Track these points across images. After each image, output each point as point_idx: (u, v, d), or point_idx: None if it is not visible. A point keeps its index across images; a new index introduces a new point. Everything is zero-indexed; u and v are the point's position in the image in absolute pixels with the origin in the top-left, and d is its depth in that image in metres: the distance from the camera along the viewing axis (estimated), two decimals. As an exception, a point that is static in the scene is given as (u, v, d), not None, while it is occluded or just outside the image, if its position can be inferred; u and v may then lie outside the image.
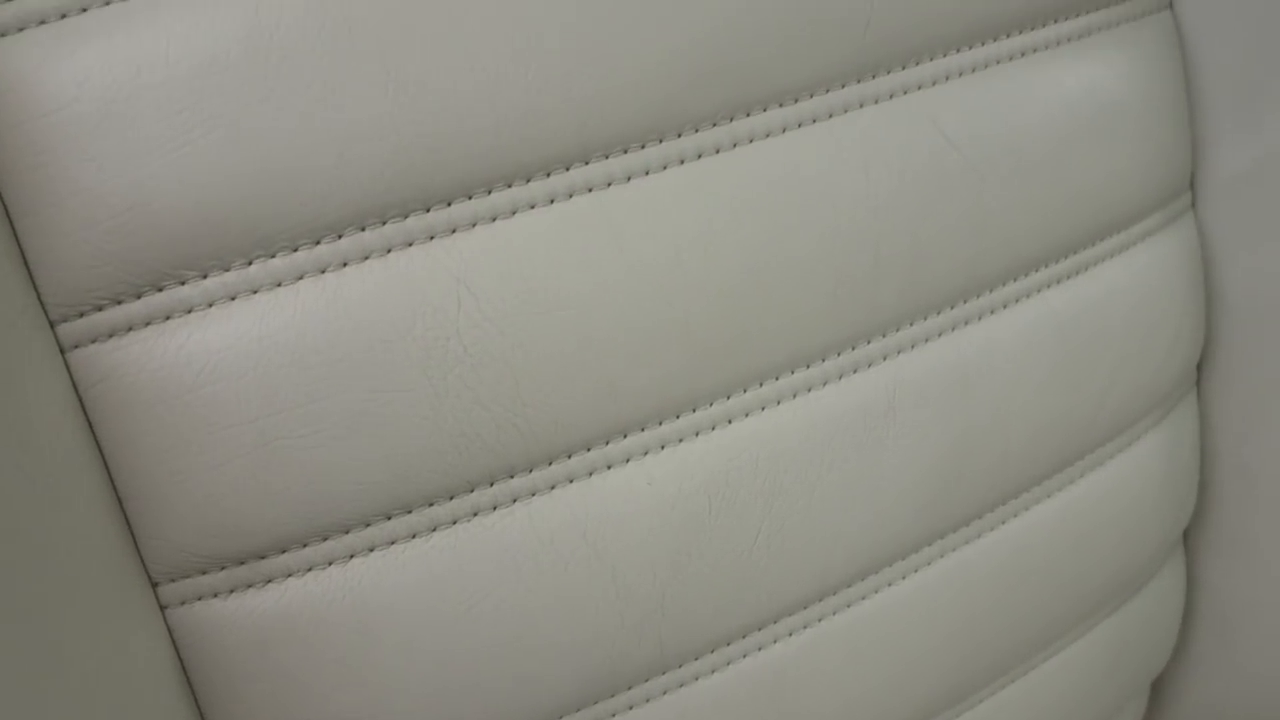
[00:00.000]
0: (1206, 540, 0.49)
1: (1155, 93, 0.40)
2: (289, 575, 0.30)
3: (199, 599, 0.30)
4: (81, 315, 0.28)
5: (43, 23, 0.26)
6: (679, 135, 0.31)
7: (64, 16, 0.26)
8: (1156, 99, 0.40)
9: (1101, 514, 0.42)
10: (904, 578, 0.38)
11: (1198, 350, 0.44)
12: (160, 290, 0.28)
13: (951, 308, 0.36)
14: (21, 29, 0.26)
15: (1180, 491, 0.45)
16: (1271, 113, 0.41)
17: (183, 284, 0.28)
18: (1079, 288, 0.39)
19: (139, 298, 0.28)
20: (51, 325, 0.28)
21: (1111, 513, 0.43)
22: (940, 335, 0.36)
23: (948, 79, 0.35)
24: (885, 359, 0.36)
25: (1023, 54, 0.37)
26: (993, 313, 0.37)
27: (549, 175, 0.30)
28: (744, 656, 0.36)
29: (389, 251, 0.29)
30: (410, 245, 0.29)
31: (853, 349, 0.35)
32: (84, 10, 0.26)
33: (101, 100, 0.26)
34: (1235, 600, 0.49)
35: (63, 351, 0.28)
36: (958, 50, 0.35)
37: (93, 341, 0.28)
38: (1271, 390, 0.44)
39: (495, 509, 0.31)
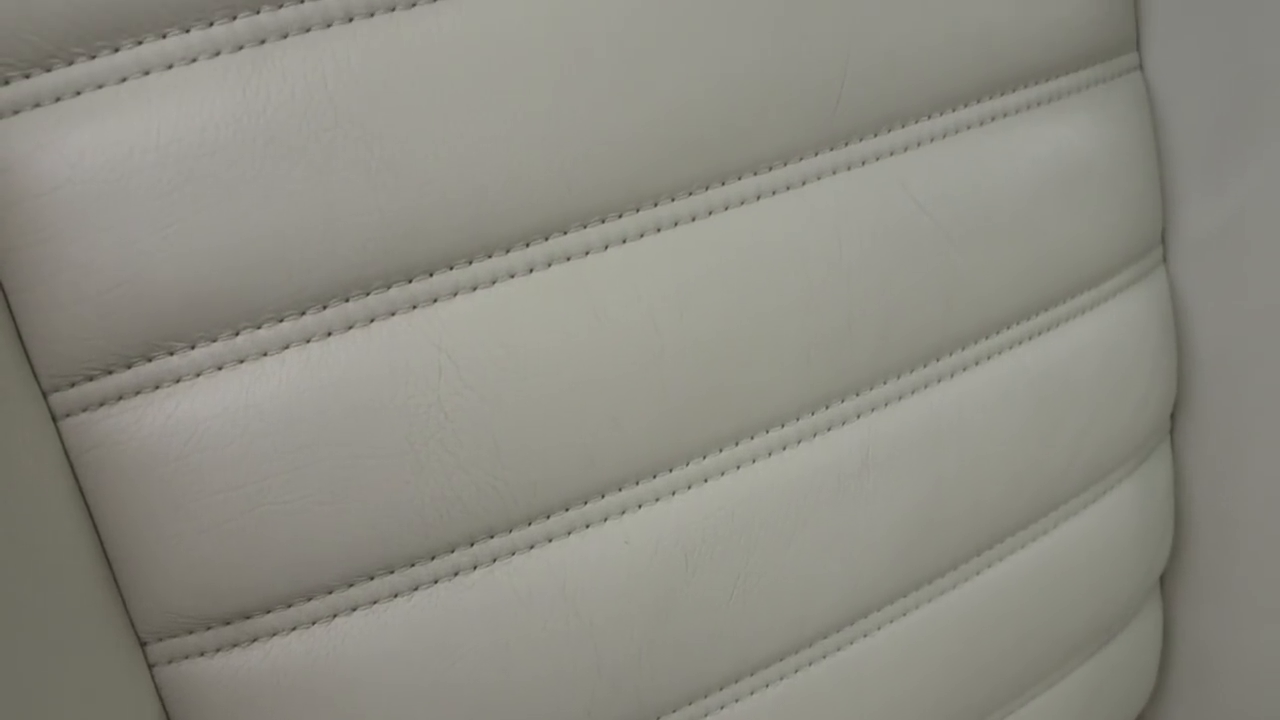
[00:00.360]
0: (1183, 585, 0.50)
1: (1125, 153, 0.41)
2: (274, 634, 0.31)
3: (186, 658, 0.31)
4: (73, 385, 0.29)
5: (38, 105, 0.27)
6: (655, 204, 0.33)
7: (59, 100, 0.27)
8: (1126, 159, 0.41)
9: (1076, 562, 0.43)
10: (879, 628, 0.39)
11: (1170, 401, 0.45)
12: (150, 360, 0.29)
13: (924, 366, 0.37)
14: (17, 112, 0.27)
15: (1155, 538, 0.46)
16: (1241, 171, 0.42)
17: (171, 354, 0.29)
18: (1050, 344, 0.40)
19: (129, 368, 0.29)
20: (44, 394, 0.29)
21: (1086, 561, 0.44)
22: (913, 393, 0.37)
23: (918, 145, 0.36)
24: (859, 417, 0.36)
25: (992, 119, 0.38)
26: (965, 370, 0.38)
27: (528, 245, 0.31)
28: (721, 708, 0.37)
29: (372, 321, 0.30)
30: (393, 315, 0.30)
31: (826, 408, 0.36)
32: (78, 94, 0.27)
33: (94, 181, 0.27)
34: (1212, 644, 0.50)
35: (55, 420, 0.29)
36: (928, 117, 0.36)
37: (84, 410, 0.29)
38: (1244, 438, 0.45)
39: (476, 568, 0.32)
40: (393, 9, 0.29)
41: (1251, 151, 0.41)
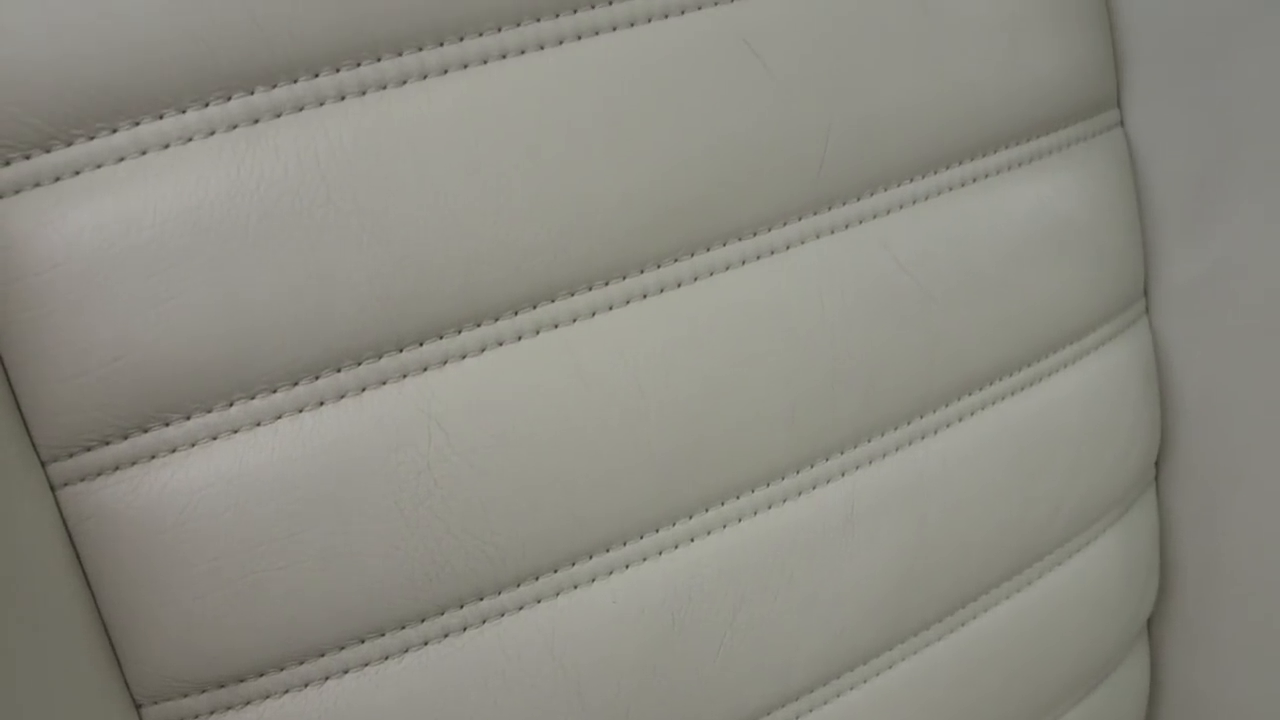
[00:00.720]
0: (1170, 629, 0.50)
1: (1106, 209, 0.42)
2: (267, 697, 0.31)
3: (181, 720, 0.32)
4: (71, 456, 0.29)
5: (38, 185, 0.28)
6: (641, 271, 0.33)
7: (58, 179, 0.28)
8: (1107, 215, 0.42)
9: (1062, 611, 0.44)
10: (865, 681, 0.39)
11: (1154, 450, 0.46)
12: (146, 431, 0.29)
13: (907, 423, 0.38)
14: (18, 191, 0.28)
15: (1140, 585, 0.47)
16: (1220, 224, 0.42)
17: (167, 425, 0.29)
18: (1032, 398, 0.41)
19: (126, 439, 0.29)
20: (43, 464, 0.29)
21: (1072, 610, 0.44)
22: (896, 449, 0.38)
23: (900, 206, 0.37)
24: (843, 474, 0.37)
25: (974, 179, 0.39)
26: (948, 426, 0.39)
27: (516, 314, 0.32)
28: (708, 763, 0.37)
29: (363, 391, 0.31)
30: (384, 384, 0.31)
31: (811, 466, 0.36)
32: (77, 174, 0.28)
33: (93, 258, 0.28)
34: (1199, 689, 0.50)
35: (53, 489, 0.29)
36: (910, 179, 0.37)
37: (81, 480, 0.29)
38: (1229, 484, 0.46)
39: (465, 630, 0.33)
40: (384, 87, 0.30)
41: (1230, 206, 0.42)
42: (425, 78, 0.30)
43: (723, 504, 0.35)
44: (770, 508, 0.36)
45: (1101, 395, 0.43)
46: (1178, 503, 0.48)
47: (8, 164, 0.28)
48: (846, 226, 0.36)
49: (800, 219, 0.35)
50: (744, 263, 0.35)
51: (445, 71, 0.31)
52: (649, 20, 0.33)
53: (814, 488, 0.37)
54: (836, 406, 0.36)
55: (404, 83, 0.30)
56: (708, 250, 0.34)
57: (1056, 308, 0.40)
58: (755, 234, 0.35)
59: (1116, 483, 0.44)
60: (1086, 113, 0.41)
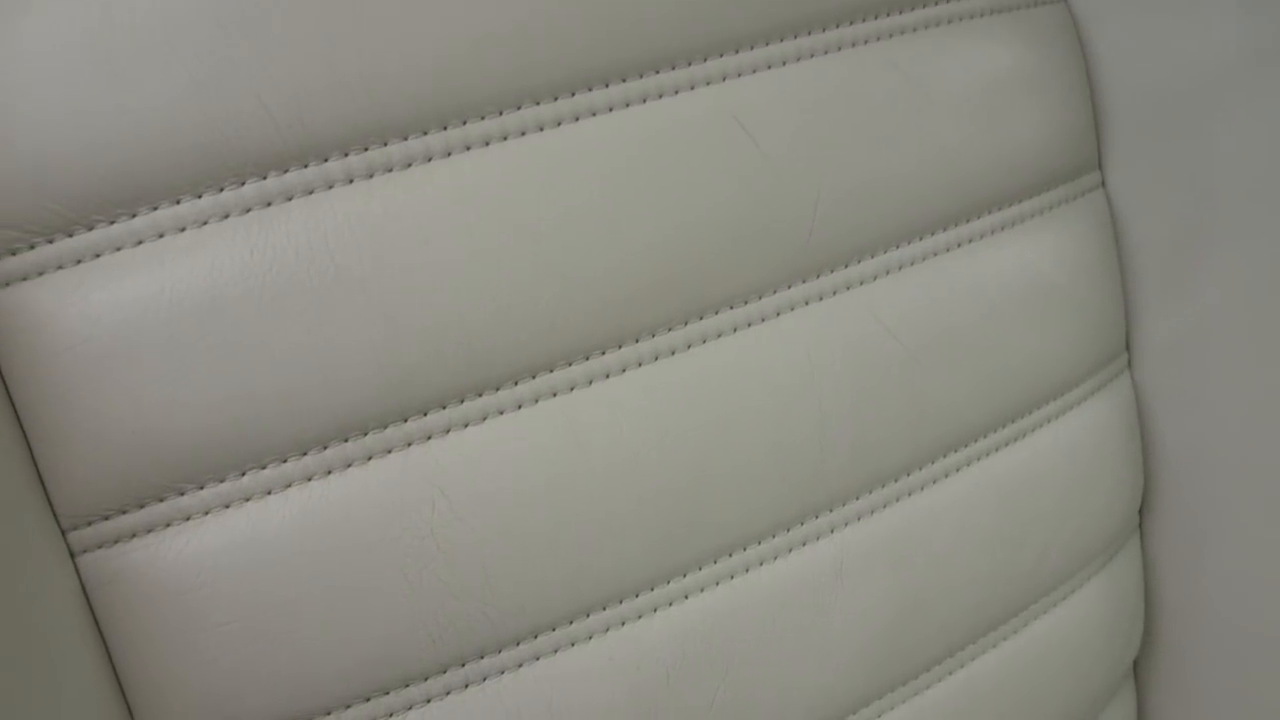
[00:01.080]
0: (1155, 672, 0.51)
1: (1087, 268, 0.43)
2: (276, 754, 0.33)
3: (194, 775, 0.33)
4: (90, 524, 0.31)
5: (60, 268, 0.29)
6: (636, 340, 0.35)
7: (79, 262, 0.30)
8: (1088, 274, 0.43)
9: (1049, 656, 0.45)
10: (855, 731, 0.41)
11: (1137, 500, 0.47)
12: (162, 501, 0.31)
13: (894, 480, 0.39)
14: (42, 273, 0.29)
15: (1125, 630, 0.48)
16: (1199, 283, 0.44)
17: (182, 495, 0.31)
18: (1018, 453, 0.42)
19: (142, 508, 0.31)
20: (63, 532, 0.31)
21: (1059, 654, 0.45)
22: (884, 506, 0.39)
23: (887, 272, 0.38)
24: (833, 531, 0.38)
25: (959, 244, 0.40)
26: (935, 482, 0.40)
27: (516, 384, 0.33)
28: (702, 812, 0.38)
29: (369, 460, 0.32)
30: (389, 453, 0.32)
31: (801, 524, 0.38)
32: (97, 256, 0.30)
33: (112, 337, 0.29)
34: (1185, 729, 0.51)
35: (72, 556, 0.31)
36: (896, 246, 0.38)
37: (99, 547, 0.31)
38: (1210, 531, 0.47)
39: (467, 687, 0.34)
40: (390, 170, 0.31)
41: (1207, 265, 0.43)
42: (429, 160, 0.32)
43: (715, 562, 0.36)
44: (762, 564, 0.37)
45: (1085, 448, 0.44)
46: (1162, 549, 0.49)
47: (32, 247, 0.29)
48: (834, 293, 0.37)
49: (789, 286, 0.37)
50: (735, 330, 0.36)
51: (448, 154, 0.32)
52: (644, 101, 0.34)
53: (804, 544, 0.38)
54: (826, 466, 0.37)
55: (409, 165, 0.32)
56: (700, 319, 0.35)
57: (1040, 365, 0.42)
58: (746, 302, 0.36)
59: (1101, 531, 0.45)
60: (1067, 176, 0.43)
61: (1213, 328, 0.44)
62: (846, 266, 0.38)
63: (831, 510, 0.38)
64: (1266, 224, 0.42)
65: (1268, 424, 0.44)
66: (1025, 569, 0.43)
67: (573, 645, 0.35)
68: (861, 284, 0.38)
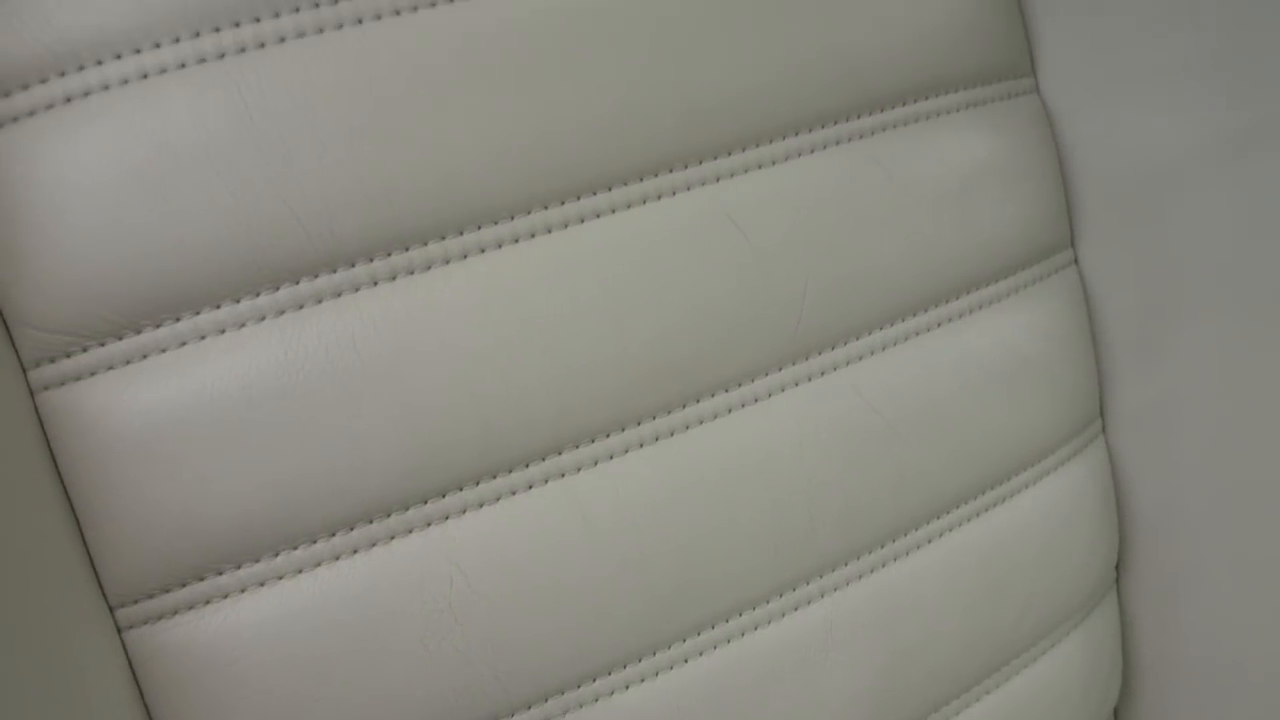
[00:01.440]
0: (1135, 717, 0.53)
1: (1061, 342, 0.46)
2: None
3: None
4: (136, 602, 0.33)
5: (110, 369, 0.32)
6: (638, 424, 0.37)
7: (128, 363, 0.32)
8: (1062, 347, 0.46)
9: (1030, 710, 0.47)
10: (846, 784, 0.43)
11: (1113, 559, 0.49)
12: (202, 580, 0.33)
13: (881, 547, 0.42)
14: (93, 374, 0.32)
15: (1104, 681, 0.50)
16: (1168, 354, 0.46)
17: (220, 574, 0.33)
18: (997, 518, 0.45)
19: (184, 586, 0.33)
20: (111, 610, 0.33)
21: (1040, 708, 0.48)
22: (871, 572, 0.42)
23: (871, 353, 0.41)
24: (822, 596, 0.41)
25: (938, 324, 0.43)
26: (919, 547, 0.43)
27: (528, 466, 0.36)
28: None
29: (392, 539, 0.35)
30: (410, 533, 0.35)
31: (792, 590, 0.40)
32: (144, 358, 0.32)
33: (158, 433, 0.32)
34: (1163, 774, 0.53)
35: (119, 632, 0.33)
36: (879, 328, 0.41)
37: (145, 623, 0.33)
38: (1184, 588, 0.49)
39: (481, 747, 0.36)
40: (411, 272, 0.34)
41: (1175, 338, 0.46)
42: (447, 263, 0.35)
43: (713, 627, 0.39)
44: (755, 629, 0.40)
45: (1062, 511, 0.46)
46: (1138, 604, 0.51)
47: (84, 350, 0.32)
48: (822, 374, 0.40)
49: (779, 369, 0.39)
50: (730, 411, 0.39)
51: (464, 257, 0.35)
52: (644, 202, 0.37)
53: (795, 610, 0.40)
54: (815, 534, 0.40)
55: (428, 268, 0.34)
56: (697, 402, 0.38)
57: (1017, 435, 0.44)
58: (739, 385, 0.39)
59: (1079, 589, 0.47)
60: (1040, 256, 0.45)
61: (1181, 396, 0.47)
62: (833, 349, 0.40)
63: (821, 576, 0.41)
64: (1229, 302, 0.45)
65: (1234, 485, 0.47)
66: (1006, 626, 0.45)
67: (580, 707, 0.37)
68: (847, 364, 0.41)
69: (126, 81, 0.32)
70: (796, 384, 0.40)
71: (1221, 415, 0.46)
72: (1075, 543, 0.47)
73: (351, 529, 0.34)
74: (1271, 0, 0.42)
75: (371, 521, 0.34)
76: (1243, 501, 0.47)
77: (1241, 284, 0.44)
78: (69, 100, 0.31)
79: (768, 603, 0.40)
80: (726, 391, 0.39)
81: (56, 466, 0.33)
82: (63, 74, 0.31)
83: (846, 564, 0.41)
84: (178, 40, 0.32)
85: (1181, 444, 0.48)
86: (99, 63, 0.32)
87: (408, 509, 0.35)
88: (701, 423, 0.38)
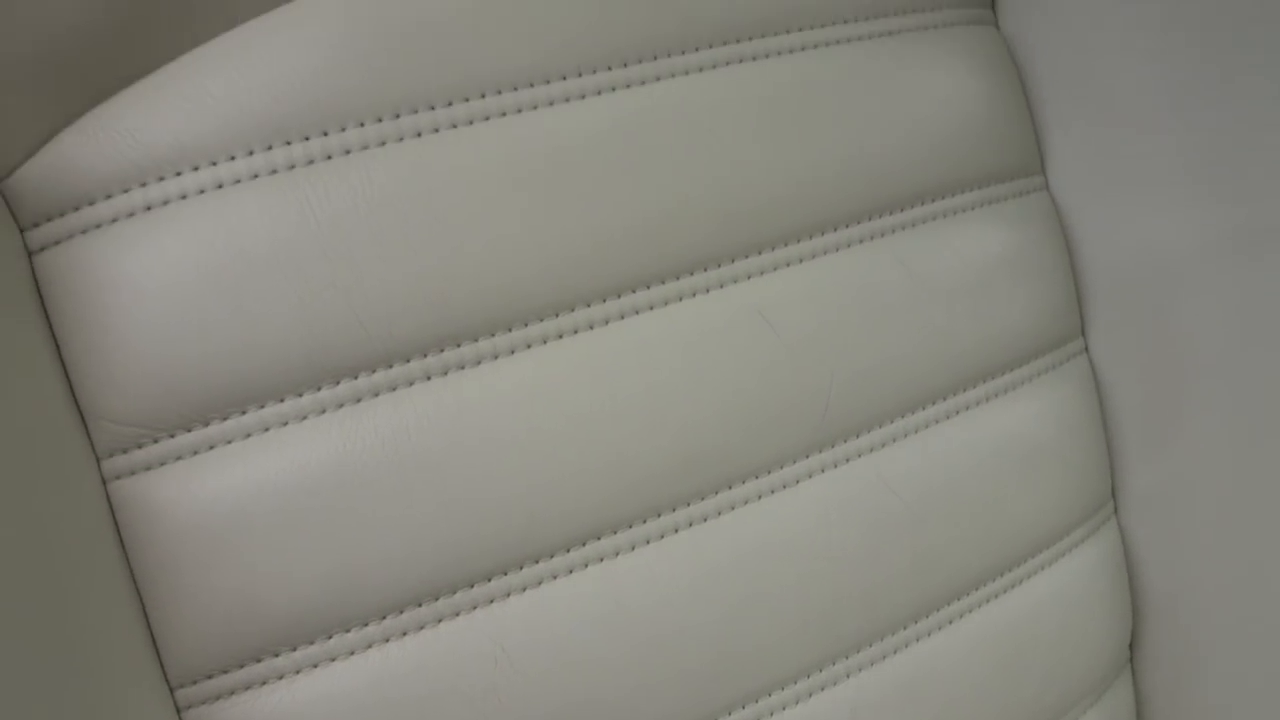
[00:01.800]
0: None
1: (1072, 428, 0.48)
2: None
3: None
4: (195, 682, 0.35)
5: (179, 459, 0.34)
6: (673, 510, 0.39)
7: (195, 454, 0.34)
8: (1074, 433, 0.48)
9: (1048, 786, 0.48)
10: None
11: (1127, 638, 0.51)
12: (259, 661, 0.35)
13: (903, 628, 0.43)
14: (163, 464, 0.34)
15: (1120, 758, 0.51)
16: (1176, 440, 0.48)
17: (276, 656, 0.35)
18: (1013, 601, 0.46)
19: (242, 668, 0.35)
20: (171, 690, 0.35)
21: (1057, 784, 0.49)
22: (895, 653, 0.43)
23: (893, 440, 0.43)
24: (848, 677, 0.42)
25: (956, 412, 0.45)
26: (939, 629, 0.44)
27: (569, 551, 0.38)
28: None
29: (440, 622, 0.36)
30: (457, 616, 0.36)
31: (819, 671, 0.42)
32: (211, 448, 0.34)
33: (222, 521, 0.34)
34: None
35: (179, 711, 0.35)
36: (901, 416, 0.43)
37: (204, 703, 0.35)
38: (1195, 665, 0.51)
39: (521, 825, 0.37)
40: (462, 368, 0.36)
41: (1183, 424, 0.48)
42: (496, 358, 0.37)
43: (744, 708, 0.40)
44: (785, 708, 0.41)
45: (1076, 591, 0.48)
46: (1151, 683, 0.52)
47: (156, 442, 0.34)
48: (846, 461, 0.42)
49: (807, 457, 0.41)
50: (760, 498, 0.41)
51: (512, 352, 0.37)
52: (680, 300, 0.39)
53: (822, 690, 0.42)
54: (840, 618, 0.41)
55: (479, 363, 0.37)
56: (729, 489, 0.40)
57: (1032, 518, 0.46)
58: (769, 472, 0.41)
59: (1094, 669, 0.49)
60: (1052, 346, 0.48)
61: (1189, 481, 0.48)
62: (857, 437, 0.42)
63: (847, 657, 0.42)
64: (1232, 393, 0.47)
65: (1242, 567, 0.48)
66: (1024, 706, 0.46)
67: (616, 787, 0.39)
68: (870, 452, 0.42)
69: (203, 191, 0.34)
70: (823, 470, 0.42)
71: (1229, 500, 0.48)
72: (1090, 623, 0.48)
73: (401, 612, 0.36)
74: (1267, 104, 0.45)
75: (420, 605, 0.36)
76: (1251, 583, 0.48)
77: (1243, 377, 0.46)
78: (149, 209, 0.34)
79: (795, 683, 0.41)
80: (756, 478, 0.40)
81: (125, 552, 0.34)
82: (144, 184, 0.34)
83: (870, 645, 0.43)
84: (251, 153, 0.34)
85: (1191, 527, 0.49)
86: (178, 174, 0.34)
87: (455, 593, 0.36)
88: (733, 508, 0.40)
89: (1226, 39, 0.46)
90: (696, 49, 0.40)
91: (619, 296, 0.38)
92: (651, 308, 0.39)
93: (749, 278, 0.40)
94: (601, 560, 0.38)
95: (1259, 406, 0.47)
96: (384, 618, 0.36)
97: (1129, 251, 0.48)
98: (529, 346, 0.37)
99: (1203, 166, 0.46)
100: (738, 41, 0.41)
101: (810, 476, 0.41)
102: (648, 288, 0.39)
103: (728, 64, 0.41)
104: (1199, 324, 0.47)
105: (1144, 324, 0.48)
